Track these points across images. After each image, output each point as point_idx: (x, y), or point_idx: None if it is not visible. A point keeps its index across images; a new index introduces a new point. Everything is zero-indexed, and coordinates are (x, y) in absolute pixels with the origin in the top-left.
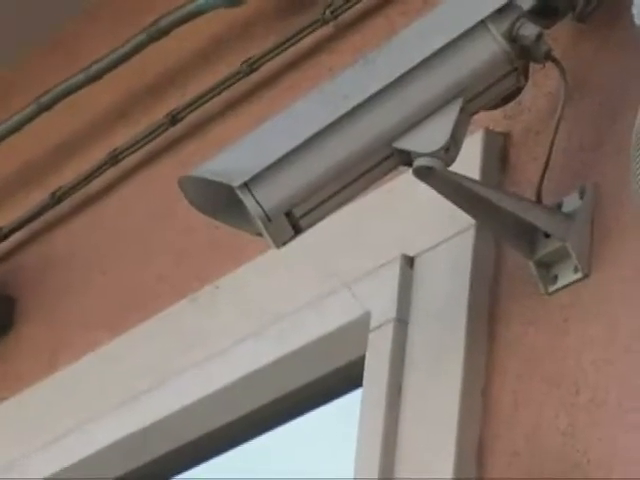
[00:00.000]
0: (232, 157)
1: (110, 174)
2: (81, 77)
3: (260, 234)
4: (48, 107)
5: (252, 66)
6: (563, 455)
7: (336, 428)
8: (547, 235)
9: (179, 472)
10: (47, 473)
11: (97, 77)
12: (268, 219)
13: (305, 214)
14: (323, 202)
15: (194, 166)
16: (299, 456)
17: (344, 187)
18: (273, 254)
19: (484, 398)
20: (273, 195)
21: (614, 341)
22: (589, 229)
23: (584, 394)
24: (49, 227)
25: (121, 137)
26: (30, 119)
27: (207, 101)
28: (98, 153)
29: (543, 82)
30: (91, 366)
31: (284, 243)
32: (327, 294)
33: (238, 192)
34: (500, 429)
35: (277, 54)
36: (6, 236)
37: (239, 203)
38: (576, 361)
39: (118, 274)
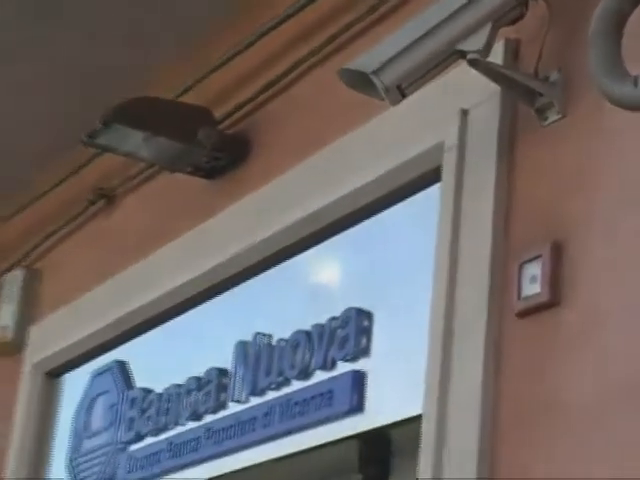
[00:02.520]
0: (367, 56)
1: None
2: None
3: (383, 98)
4: None
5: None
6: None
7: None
8: (541, 94)
9: None
10: None
11: None
12: (387, 90)
13: (407, 86)
14: (417, 80)
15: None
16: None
17: (429, 70)
18: (387, 112)
19: (509, 189)
20: (389, 76)
21: (585, 138)
22: (563, 90)
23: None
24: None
25: None
26: None
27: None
28: None
29: (537, 10)
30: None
31: (397, 103)
32: (419, 130)
33: (370, 76)
34: (522, 201)
35: None
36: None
37: (371, 82)
38: (562, 155)
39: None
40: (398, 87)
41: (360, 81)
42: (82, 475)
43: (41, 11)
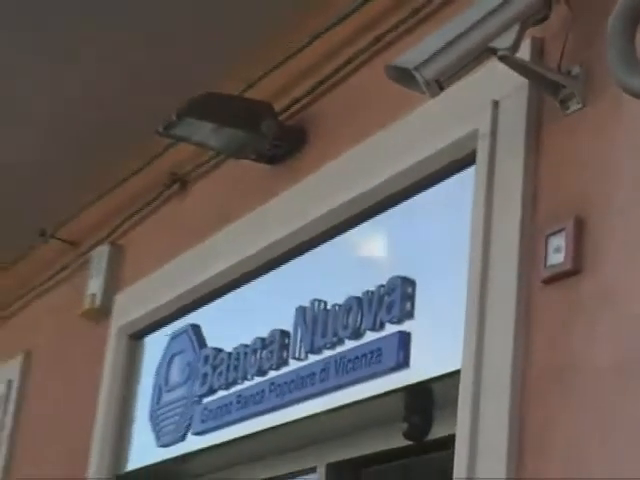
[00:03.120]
0: (410, 54)
1: None
2: None
3: (423, 91)
4: None
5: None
6: None
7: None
8: (564, 86)
9: None
10: None
11: None
12: (427, 84)
13: (445, 80)
14: (453, 74)
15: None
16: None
17: (464, 66)
18: (427, 103)
19: (536, 171)
20: (429, 72)
21: (603, 125)
22: (584, 83)
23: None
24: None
25: None
26: None
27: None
28: None
29: (560, 11)
30: None
31: (436, 95)
32: (456, 119)
33: (413, 71)
34: (548, 181)
35: None
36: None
37: (413, 77)
38: (583, 141)
39: None
40: (437, 81)
41: (403, 76)
42: (162, 425)
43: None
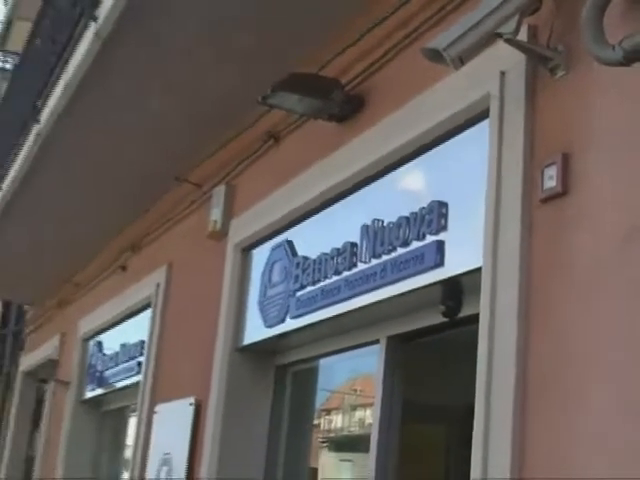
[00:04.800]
0: (439, 38)
1: None
2: None
3: (449, 65)
4: None
5: None
6: None
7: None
8: (552, 59)
9: None
10: None
11: None
12: (452, 60)
13: (465, 57)
14: (471, 53)
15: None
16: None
17: (479, 46)
18: (453, 74)
19: (533, 121)
20: (453, 51)
21: (582, 86)
22: (567, 56)
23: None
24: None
25: None
26: None
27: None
28: None
29: (548, 4)
30: None
31: (459, 68)
32: (474, 85)
33: (441, 51)
34: (542, 128)
35: None
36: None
37: (442, 55)
38: (567, 98)
39: None
40: (459, 58)
41: (435, 55)
42: (268, 311)
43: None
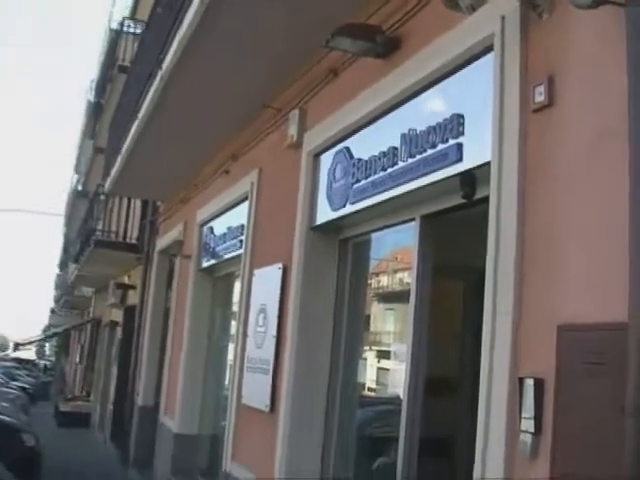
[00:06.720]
0: None
1: None
2: None
3: (464, 12)
4: None
5: None
6: None
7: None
8: (539, 5)
9: None
10: None
11: None
12: (467, 7)
13: (477, 6)
14: (480, 2)
15: None
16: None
17: None
18: (470, 17)
19: (526, 53)
20: (467, 0)
21: (562, 25)
22: (551, 2)
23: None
24: None
25: None
26: None
27: None
28: None
29: None
30: None
31: (471, 14)
32: (482, 26)
33: (458, 1)
34: (533, 57)
35: None
36: None
37: (458, 4)
38: (551, 33)
39: None
40: (472, 5)
41: (453, 4)
42: (333, 199)
43: None
